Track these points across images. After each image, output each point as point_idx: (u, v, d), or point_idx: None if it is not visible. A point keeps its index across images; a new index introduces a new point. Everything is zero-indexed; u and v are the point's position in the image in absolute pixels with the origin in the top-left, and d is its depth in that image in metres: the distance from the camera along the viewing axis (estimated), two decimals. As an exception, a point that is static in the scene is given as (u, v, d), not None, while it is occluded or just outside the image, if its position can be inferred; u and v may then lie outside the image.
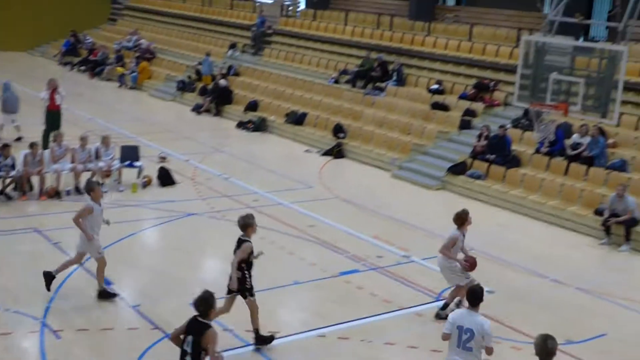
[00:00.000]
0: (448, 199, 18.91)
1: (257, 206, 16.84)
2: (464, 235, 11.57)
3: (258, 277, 12.64)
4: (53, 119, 19.74)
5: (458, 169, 19.59)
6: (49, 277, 11.53)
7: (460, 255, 11.59)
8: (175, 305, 11.42)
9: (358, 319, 11.44)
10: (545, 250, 15.31)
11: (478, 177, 19.07)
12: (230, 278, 10.16)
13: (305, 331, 10.98)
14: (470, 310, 8.48)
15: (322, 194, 18.33)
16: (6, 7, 39.74)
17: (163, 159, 20.02)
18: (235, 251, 10.18)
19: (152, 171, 18.23)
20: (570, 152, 18.49)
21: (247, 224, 10.21)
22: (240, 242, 10.20)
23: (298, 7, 35.66)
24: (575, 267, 14.53)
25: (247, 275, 10.19)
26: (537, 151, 19.04)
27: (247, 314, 10.25)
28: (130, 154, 18.08)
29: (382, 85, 25.60)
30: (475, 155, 19.75)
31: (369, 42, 28.02)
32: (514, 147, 19.52)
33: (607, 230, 15.85)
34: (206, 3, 38.13)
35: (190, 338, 7.80)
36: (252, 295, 10.28)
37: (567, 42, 16.91)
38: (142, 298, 11.70)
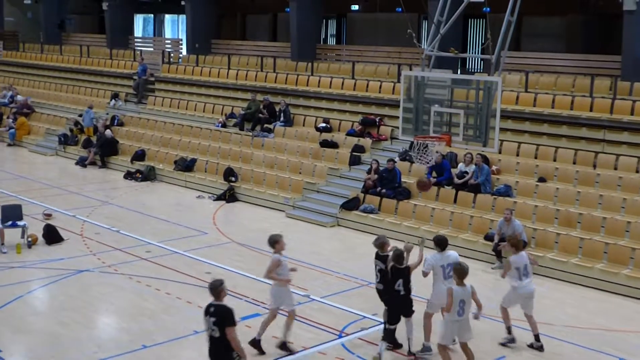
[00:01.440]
0: (343, 235, 19.05)
1: (151, 257, 16.44)
2: None
3: (156, 329, 12.32)
4: None
5: (351, 204, 19.79)
6: (255, 343, 11.53)
7: None
8: None
9: (262, 364, 11.27)
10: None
11: (371, 212, 19.32)
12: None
13: (209, 381, 10.68)
14: (441, 252, 11.66)
15: (217, 240, 18.08)
16: None
17: (48, 216, 19.28)
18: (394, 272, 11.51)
19: (37, 230, 17.50)
20: (457, 181, 19.03)
21: (383, 242, 12.07)
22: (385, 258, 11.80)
23: (180, 53, 35.49)
24: (471, 292, 14.80)
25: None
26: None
27: None
28: (12, 214, 17.23)
29: (270, 126, 25.70)
30: (366, 190, 20.02)
31: (253, 84, 28.13)
32: (403, 179, 19.92)
33: (498, 254, 16.33)
34: (84, 54, 37.37)
35: (400, 281, 11.43)
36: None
37: (445, 75, 17.46)
38: (33, 363, 11.13)
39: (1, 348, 11.54)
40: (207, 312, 9.15)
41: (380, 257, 11.97)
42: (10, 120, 32.16)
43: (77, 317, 13.03)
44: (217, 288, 9.21)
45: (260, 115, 26.17)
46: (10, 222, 16.93)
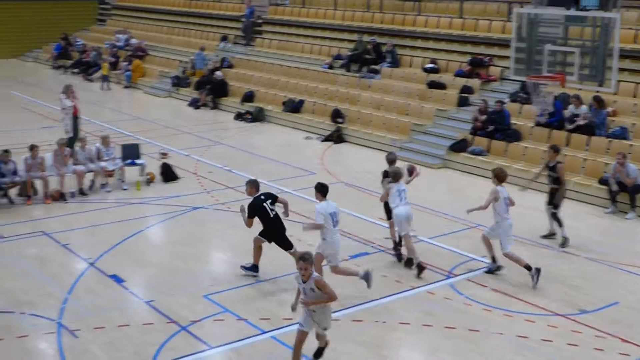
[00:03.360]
0: (450, 176, 18.96)
1: (262, 196, 16.88)
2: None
3: (266, 265, 12.74)
4: (77, 123, 19.37)
5: (459, 146, 19.63)
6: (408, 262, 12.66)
7: None
8: (187, 298, 11.48)
9: (370, 301, 11.49)
10: (551, 221, 15.35)
11: (479, 153, 19.11)
12: None
13: (320, 316, 11.01)
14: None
15: (325, 180, 18.24)
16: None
17: (164, 155, 20.04)
18: None
19: (154, 168, 18.25)
20: (568, 126, 18.46)
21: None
22: None
23: (286, -6, 35.52)
24: (583, 236, 14.52)
25: None
26: (537, 124, 19.06)
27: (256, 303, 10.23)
28: (131, 153, 18.07)
29: (377, 67, 25.59)
30: (475, 131, 19.78)
31: (360, 25, 27.96)
32: (513, 120, 19.54)
33: (613, 198, 15.89)
34: (195, -3, 38.02)
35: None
36: None
37: (558, 12, 16.88)
38: (154, 294, 11.72)
39: (125, 278, 12.24)
40: (265, 201, 11.90)
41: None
42: (126, 63, 33.29)
43: (192, 252, 13.61)
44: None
45: (367, 56, 26.07)
46: (129, 161, 17.75)
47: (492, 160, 18.67)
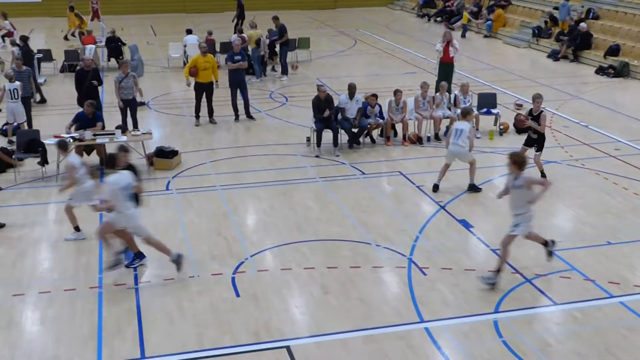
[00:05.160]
0: None
1: (619, 155, 16.11)
2: None
3: (622, 228, 12.21)
4: (446, 70, 20.02)
5: None
6: None
7: None
8: (534, 251, 11.47)
9: None
10: None
11: None
12: None
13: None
14: None
15: (694, 144, 16.86)
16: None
17: (519, 106, 19.91)
18: None
19: (508, 119, 18.24)
20: None
21: None
22: None
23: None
24: None
25: None
26: None
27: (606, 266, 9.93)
28: (487, 101, 18.29)
29: None
30: None
31: None
32: None
33: None
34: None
35: None
36: None
37: None
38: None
39: (473, 224, 12.60)
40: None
41: None
42: (488, 12, 33.35)
43: (541, 205, 13.44)
44: None
45: None
46: (485, 110, 17.97)
47: None
